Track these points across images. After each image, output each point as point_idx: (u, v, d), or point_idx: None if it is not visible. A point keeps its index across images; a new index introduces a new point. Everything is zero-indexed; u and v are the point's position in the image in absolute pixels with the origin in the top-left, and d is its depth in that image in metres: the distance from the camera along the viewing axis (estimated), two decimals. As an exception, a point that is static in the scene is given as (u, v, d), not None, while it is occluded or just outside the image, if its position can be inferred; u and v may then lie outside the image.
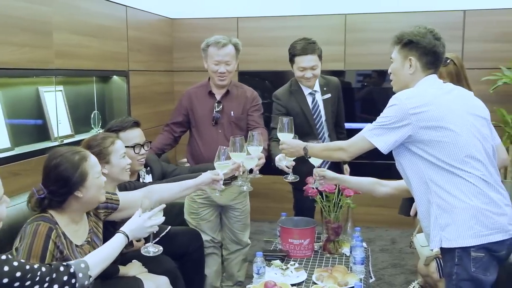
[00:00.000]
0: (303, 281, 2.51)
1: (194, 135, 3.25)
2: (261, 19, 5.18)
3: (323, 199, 2.88)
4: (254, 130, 3.00)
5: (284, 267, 2.62)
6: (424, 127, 2.01)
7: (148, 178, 2.96)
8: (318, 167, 2.72)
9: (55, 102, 3.48)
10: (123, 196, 2.32)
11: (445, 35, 5.16)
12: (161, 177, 3.00)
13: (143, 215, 2.07)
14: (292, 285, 2.44)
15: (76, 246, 2.05)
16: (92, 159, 2.09)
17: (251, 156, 2.61)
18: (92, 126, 4.02)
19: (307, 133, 3.25)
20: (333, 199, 2.85)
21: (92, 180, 2.04)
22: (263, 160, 2.77)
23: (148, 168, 2.99)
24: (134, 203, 2.29)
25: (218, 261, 3.41)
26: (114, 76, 4.30)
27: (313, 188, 2.83)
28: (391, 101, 2.10)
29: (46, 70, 3.30)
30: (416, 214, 3.47)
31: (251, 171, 2.73)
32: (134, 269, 2.53)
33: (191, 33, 5.26)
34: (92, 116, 4.02)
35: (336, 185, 2.82)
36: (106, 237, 2.15)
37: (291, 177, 2.82)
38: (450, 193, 2.01)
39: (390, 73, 2.26)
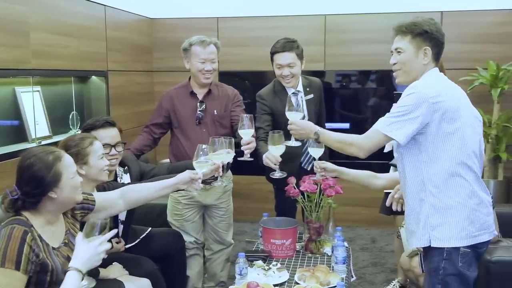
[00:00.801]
0: (285, 281, 2.51)
1: (178, 136, 3.23)
2: (241, 19, 5.17)
3: (304, 199, 2.88)
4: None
5: (266, 267, 2.62)
6: (440, 117, 1.99)
7: (126, 178, 2.93)
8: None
9: (32, 103, 3.42)
10: (99, 197, 2.27)
11: (423, 36, 5.19)
12: (139, 177, 2.97)
13: (93, 242, 1.87)
14: (275, 285, 2.44)
15: (53, 248, 2.00)
16: (67, 159, 2.03)
17: (227, 150, 2.54)
18: (71, 127, 3.96)
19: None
20: (314, 199, 2.86)
21: (66, 180, 1.99)
22: (253, 144, 2.71)
23: (126, 167, 2.96)
24: (110, 204, 2.26)
25: (200, 262, 3.40)
26: (93, 77, 4.25)
27: (295, 189, 2.85)
28: (408, 90, 2.04)
29: (23, 70, 3.25)
30: (391, 208, 3.54)
31: (242, 154, 2.69)
32: (114, 271, 2.49)
33: (171, 33, 5.23)
34: (70, 116, 3.96)
35: (317, 185, 2.84)
36: None
37: (278, 174, 2.81)
38: (446, 194, 2.02)
39: (395, 63, 2.17)
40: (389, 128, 2.04)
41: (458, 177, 2.03)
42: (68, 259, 1.99)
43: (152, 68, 5.37)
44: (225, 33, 5.18)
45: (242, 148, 2.67)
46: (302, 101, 3.30)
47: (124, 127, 4.57)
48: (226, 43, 5.15)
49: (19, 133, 3.38)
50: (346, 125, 5.17)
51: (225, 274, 3.47)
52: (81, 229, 2.18)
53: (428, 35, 2.09)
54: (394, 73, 2.20)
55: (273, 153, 2.74)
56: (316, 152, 2.68)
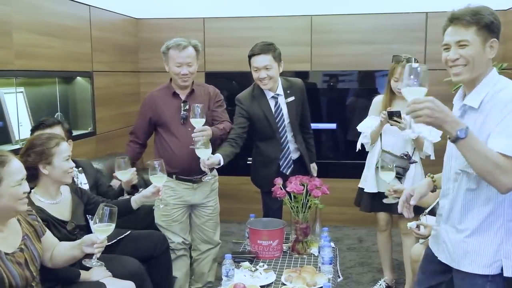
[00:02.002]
0: (272, 282, 2.51)
1: (163, 136, 3.23)
2: (227, 19, 5.16)
3: (291, 200, 2.89)
4: (218, 123, 3.20)
5: (253, 268, 2.62)
6: None
7: (82, 177, 2.96)
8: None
9: (15, 104, 3.38)
10: (49, 234, 2.24)
11: (408, 36, 5.27)
12: (94, 180, 3.03)
13: None
14: (261, 286, 2.45)
15: (6, 254, 1.95)
16: (13, 166, 1.95)
17: (129, 170, 2.77)
18: (55, 128, 3.91)
19: (270, 137, 3.30)
20: (301, 199, 2.86)
21: (6, 187, 1.92)
22: (208, 132, 2.92)
23: (81, 168, 2.99)
24: (49, 247, 2.21)
25: (187, 263, 3.40)
26: (78, 77, 4.21)
27: (281, 190, 2.86)
28: None
29: (6, 71, 3.20)
30: (371, 204, 3.51)
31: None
32: (96, 273, 2.46)
33: (157, 33, 5.20)
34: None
35: (304, 186, 2.84)
36: None
37: (208, 177, 2.93)
38: None
39: (457, 58, 1.84)
40: None
41: None
42: (25, 264, 1.97)
43: (138, 68, 5.33)
44: (211, 34, 5.16)
45: (192, 135, 2.87)
46: (279, 106, 3.32)
47: (110, 128, 4.59)
48: (212, 44, 5.17)
49: (3, 134, 3.34)
50: (333, 125, 5.20)
51: (212, 274, 3.47)
52: None
53: (494, 25, 1.82)
54: (454, 70, 1.85)
55: (200, 156, 2.84)
56: (388, 176, 2.58)
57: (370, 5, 4.91)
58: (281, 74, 3.33)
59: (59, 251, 2.22)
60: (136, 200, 2.74)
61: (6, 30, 3.16)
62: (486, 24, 1.80)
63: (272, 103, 3.31)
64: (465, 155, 1.72)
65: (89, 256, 2.14)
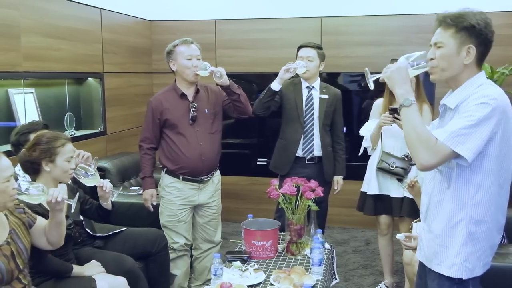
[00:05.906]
0: (260, 282, 2.53)
1: (170, 137, 3.26)
2: (238, 21, 5.21)
3: (286, 201, 2.91)
4: None
5: (243, 268, 2.65)
6: (502, 133, 1.77)
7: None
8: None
9: (23, 105, 3.50)
10: (41, 221, 2.28)
11: (418, 38, 5.20)
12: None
13: None
14: (249, 286, 2.47)
15: None
16: (2, 163, 2.01)
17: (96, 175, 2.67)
18: (66, 128, 4.03)
19: (294, 119, 3.53)
20: (295, 201, 2.88)
21: None
22: (220, 69, 3.12)
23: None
24: (41, 232, 2.25)
25: (187, 262, 3.45)
26: (89, 78, 4.32)
27: (276, 191, 2.89)
28: (479, 99, 1.75)
29: (14, 72, 3.33)
30: (375, 209, 3.52)
31: None
32: (90, 269, 2.54)
33: (170, 35, 5.26)
34: (65, 118, 4.04)
35: (297, 188, 2.86)
36: None
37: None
38: (486, 221, 1.83)
39: (432, 59, 1.87)
40: (455, 142, 1.74)
41: (500, 201, 1.86)
42: (11, 257, 2.04)
43: (152, 70, 5.43)
44: (222, 35, 5.22)
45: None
46: (311, 96, 3.56)
47: (120, 128, 4.69)
48: (223, 45, 5.23)
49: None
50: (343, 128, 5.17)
51: (212, 272, 3.51)
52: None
53: (474, 30, 1.79)
54: (429, 69, 1.90)
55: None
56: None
57: (381, 7, 4.89)
58: None
59: (47, 227, 2.26)
60: (101, 202, 2.81)
61: (15, 33, 3.29)
62: (465, 27, 1.80)
63: (305, 92, 3.57)
64: (403, 123, 1.85)
65: None
